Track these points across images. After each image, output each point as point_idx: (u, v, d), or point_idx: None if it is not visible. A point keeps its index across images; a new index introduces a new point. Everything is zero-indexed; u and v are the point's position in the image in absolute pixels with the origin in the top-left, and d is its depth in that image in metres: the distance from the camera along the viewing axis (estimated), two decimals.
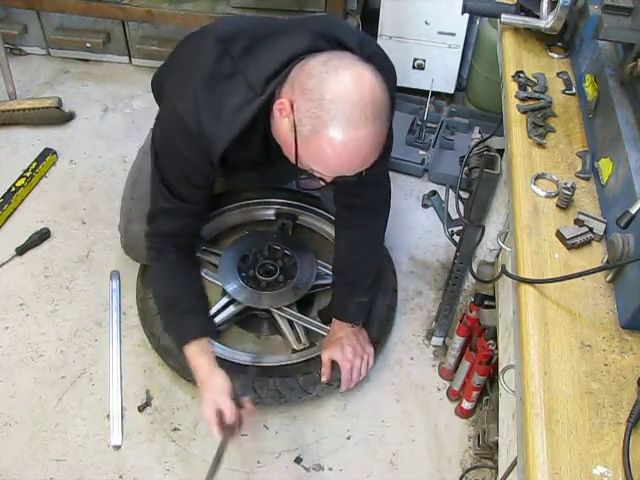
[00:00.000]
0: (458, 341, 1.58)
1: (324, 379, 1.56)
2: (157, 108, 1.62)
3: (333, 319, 1.63)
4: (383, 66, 1.18)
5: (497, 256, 1.49)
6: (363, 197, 1.49)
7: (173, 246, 1.38)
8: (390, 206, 1.57)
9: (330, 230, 1.90)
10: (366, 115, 0.99)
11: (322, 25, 1.21)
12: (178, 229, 1.37)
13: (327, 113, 0.98)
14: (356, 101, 0.98)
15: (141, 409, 1.62)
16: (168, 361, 1.64)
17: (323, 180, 1.12)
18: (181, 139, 1.20)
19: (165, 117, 1.29)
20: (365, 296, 1.60)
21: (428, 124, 2.33)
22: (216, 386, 1.34)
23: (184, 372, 1.60)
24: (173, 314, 1.43)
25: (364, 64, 1.05)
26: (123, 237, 1.75)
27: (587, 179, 1.02)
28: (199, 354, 1.39)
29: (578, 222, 0.93)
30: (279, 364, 1.61)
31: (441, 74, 2.44)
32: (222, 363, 1.57)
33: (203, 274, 1.82)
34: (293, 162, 1.10)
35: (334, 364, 1.57)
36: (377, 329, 1.70)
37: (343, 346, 1.56)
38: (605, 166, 0.99)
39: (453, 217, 1.58)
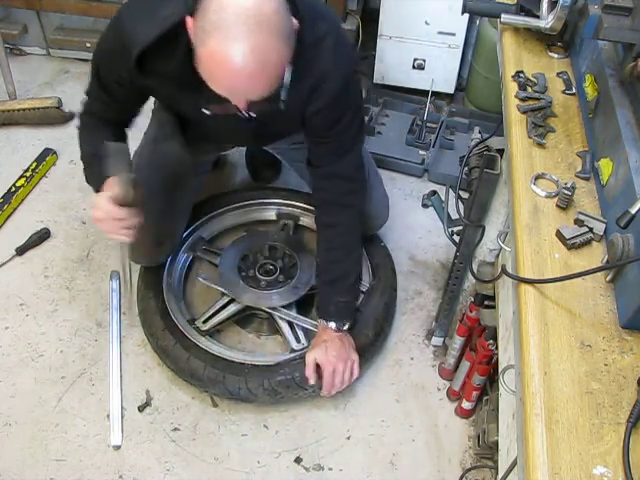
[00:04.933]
0: (458, 341, 1.58)
1: (312, 382, 1.52)
2: None
3: (319, 321, 1.60)
4: (337, 50, 1.20)
5: (497, 256, 1.49)
6: (332, 192, 1.49)
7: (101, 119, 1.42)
8: (364, 202, 1.55)
9: None
10: (248, 27, 0.97)
11: None
12: (110, 114, 1.41)
13: (210, 24, 0.98)
14: (239, 12, 0.97)
15: (141, 409, 1.62)
16: (165, 361, 1.64)
17: (237, 108, 1.10)
18: (108, 40, 1.27)
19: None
20: (346, 296, 1.58)
21: (428, 124, 2.33)
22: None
23: (182, 373, 1.60)
24: (94, 167, 1.40)
25: None
26: None
27: (587, 179, 1.02)
28: None
29: (578, 222, 0.93)
30: (276, 362, 1.61)
31: (441, 74, 2.44)
32: (220, 362, 1.58)
33: (200, 279, 1.82)
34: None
35: (319, 367, 1.53)
36: (373, 325, 1.69)
37: (327, 348, 1.52)
38: (605, 166, 0.99)
39: (453, 217, 1.58)
